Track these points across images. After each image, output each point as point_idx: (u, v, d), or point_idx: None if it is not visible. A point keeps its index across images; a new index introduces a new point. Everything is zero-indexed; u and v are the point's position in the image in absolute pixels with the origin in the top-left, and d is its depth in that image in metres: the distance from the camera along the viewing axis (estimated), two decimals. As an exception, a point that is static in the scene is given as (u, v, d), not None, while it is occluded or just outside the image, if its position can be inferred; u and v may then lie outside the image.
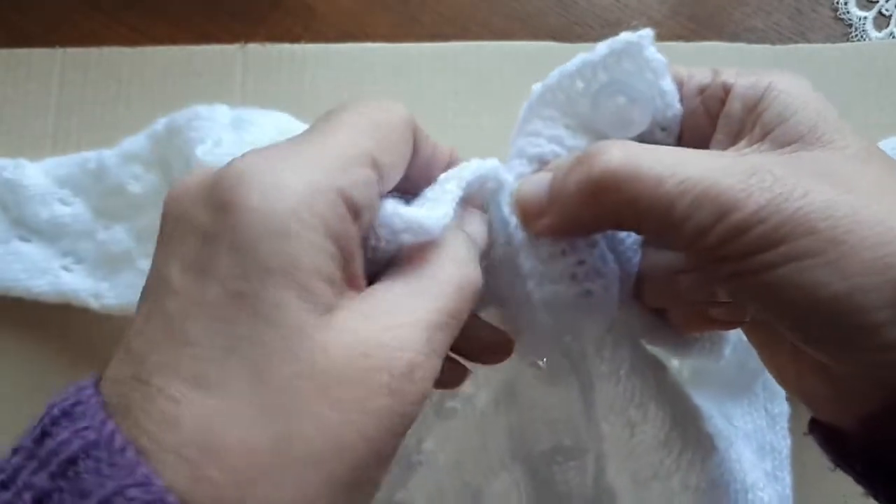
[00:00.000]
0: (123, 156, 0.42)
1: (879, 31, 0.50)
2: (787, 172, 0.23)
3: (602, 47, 0.27)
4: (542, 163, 0.28)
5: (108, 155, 0.42)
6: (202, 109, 0.40)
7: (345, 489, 0.19)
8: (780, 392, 0.37)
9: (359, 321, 0.20)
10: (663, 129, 0.27)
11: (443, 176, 0.26)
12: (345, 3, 0.49)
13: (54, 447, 0.18)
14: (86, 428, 0.18)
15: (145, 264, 0.41)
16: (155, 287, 0.20)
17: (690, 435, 0.31)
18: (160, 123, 0.41)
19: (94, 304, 0.42)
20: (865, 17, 0.49)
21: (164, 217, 0.22)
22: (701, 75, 0.27)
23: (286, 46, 0.47)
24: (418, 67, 0.46)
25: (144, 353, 0.19)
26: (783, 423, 0.37)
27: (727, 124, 0.26)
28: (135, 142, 0.42)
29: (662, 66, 0.26)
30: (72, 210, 0.43)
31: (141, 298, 0.21)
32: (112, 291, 0.42)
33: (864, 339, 0.22)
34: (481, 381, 0.34)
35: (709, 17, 0.49)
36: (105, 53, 0.47)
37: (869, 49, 0.48)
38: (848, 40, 0.49)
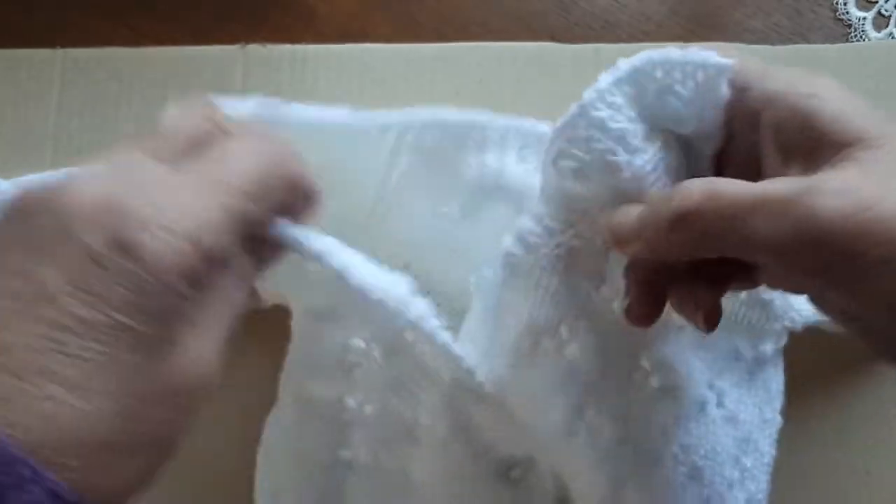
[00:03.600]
0: None
1: (879, 32, 0.50)
2: (850, 179, 0.24)
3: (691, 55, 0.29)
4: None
5: None
6: None
7: None
8: (778, 398, 0.37)
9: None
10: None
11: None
12: (345, 4, 0.49)
13: None
14: None
15: None
16: (33, 291, 0.22)
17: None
18: None
19: None
20: (865, 18, 0.50)
21: (43, 218, 0.22)
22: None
23: (287, 47, 0.47)
24: (418, 68, 0.47)
25: (15, 350, 0.21)
26: (772, 431, 0.37)
27: (776, 151, 0.27)
28: None
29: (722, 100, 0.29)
30: None
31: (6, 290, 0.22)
32: None
33: None
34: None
35: (708, 18, 0.49)
36: (106, 54, 0.47)
37: (868, 49, 0.48)
38: (847, 41, 0.49)
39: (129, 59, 0.47)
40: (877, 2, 0.50)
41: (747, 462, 0.35)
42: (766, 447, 0.37)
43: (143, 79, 0.46)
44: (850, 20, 0.49)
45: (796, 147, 0.26)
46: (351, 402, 0.37)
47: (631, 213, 0.29)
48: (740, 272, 0.29)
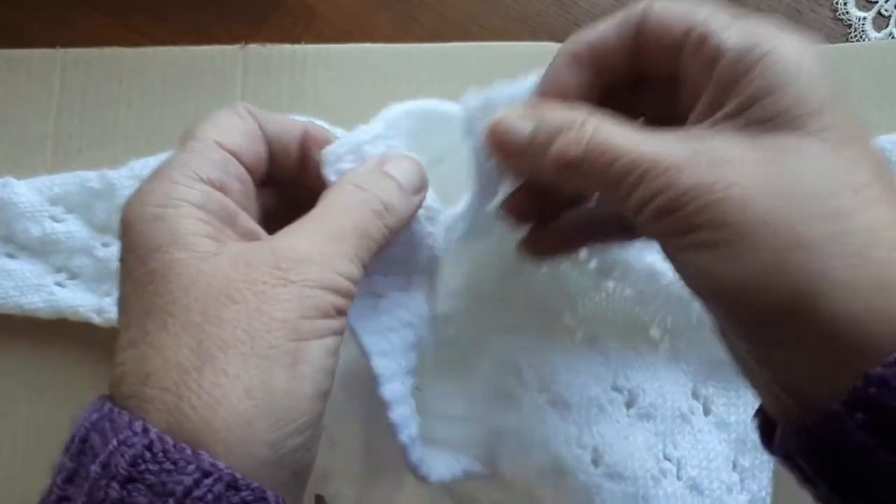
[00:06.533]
0: (135, 178, 0.43)
1: (878, 32, 0.50)
2: (733, 156, 0.23)
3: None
4: None
5: (117, 175, 0.43)
6: None
7: (263, 363, 0.22)
8: None
9: (243, 248, 0.25)
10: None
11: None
12: (345, 4, 0.49)
13: (70, 438, 0.22)
14: (91, 413, 0.23)
15: None
16: None
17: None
18: None
19: (96, 319, 0.42)
20: (865, 18, 0.50)
21: None
22: (679, 26, 0.25)
23: (286, 47, 0.47)
24: (418, 68, 0.47)
25: (116, 353, 0.24)
26: None
27: (717, 91, 0.25)
28: (148, 166, 0.43)
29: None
30: (65, 227, 0.43)
31: None
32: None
33: (759, 335, 0.23)
34: None
35: (708, 18, 0.49)
36: (106, 54, 0.47)
37: (868, 49, 0.48)
38: (847, 41, 0.49)
39: (129, 58, 0.47)
40: (877, 2, 0.50)
41: (745, 462, 0.35)
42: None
43: (143, 79, 0.47)
44: (850, 20, 0.49)
45: (726, 100, 0.24)
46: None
47: (520, 127, 0.27)
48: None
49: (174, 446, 0.21)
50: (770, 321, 0.22)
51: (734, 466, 0.35)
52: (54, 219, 0.43)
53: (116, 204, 0.43)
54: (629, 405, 0.35)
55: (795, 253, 0.21)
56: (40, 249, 0.43)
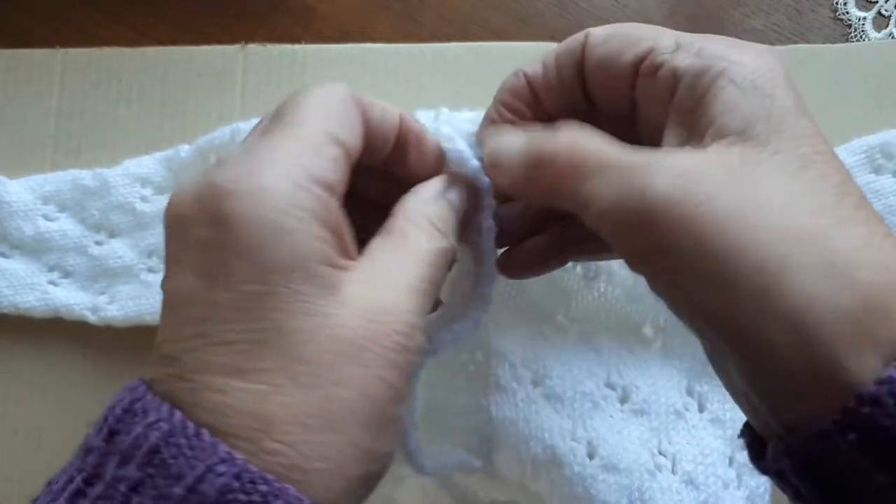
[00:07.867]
0: (129, 176, 0.43)
1: (879, 32, 0.50)
2: (705, 169, 0.23)
3: None
4: None
5: (111, 173, 0.43)
6: (242, 125, 0.41)
7: (379, 430, 0.22)
8: None
9: (362, 292, 0.23)
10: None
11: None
12: (345, 4, 0.49)
13: (132, 441, 0.21)
14: (157, 420, 0.21)
15: (151, 278, 0.42)
16: (174, 299, 0.23)
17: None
18: (183, 150, 0.43)
19: (91, 317, 0.42)
20: (865, 18, 0.50)
21: (167, 233, 0.24)
22: (636, 49, 0.26)
23: (286, 47, 0.47)
24: (418, 68, 0.47)
25: (178, 356, 0.22)
26: None
27: (679, 116, 0.25)
28: (143, 164, 0.43)
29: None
30: (57, 225, 0.43)
31: (162, 310, 0.24)
32: (113, 304, 0.42)
33: (752, 361, 0.22)
34: None
35: (708, 18, 0.49)
36: (106, 54, 0.47)
37: (868, 49, 0.48)
38: (847, 41, 0.49)
39: (129, 59, 0.47)
40: (877, 2, 0.50)
41: (742, 458, 0.35)
42: None
43: (143, 79, 0.46)
44: (850, 20, 0.49)
45: (689, 124, 0.25)
46: None
47: (512, 143, 0.27)
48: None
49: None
50: (763, 349, 0.21)
51: (731, 462, 0.35)
52: (47, 217, 0.43)
53: (110, 202, 0.43)
54: (623, 401, 0.36)
55: (780, 276, 0.21)
56: (33, 248, 0.43)
